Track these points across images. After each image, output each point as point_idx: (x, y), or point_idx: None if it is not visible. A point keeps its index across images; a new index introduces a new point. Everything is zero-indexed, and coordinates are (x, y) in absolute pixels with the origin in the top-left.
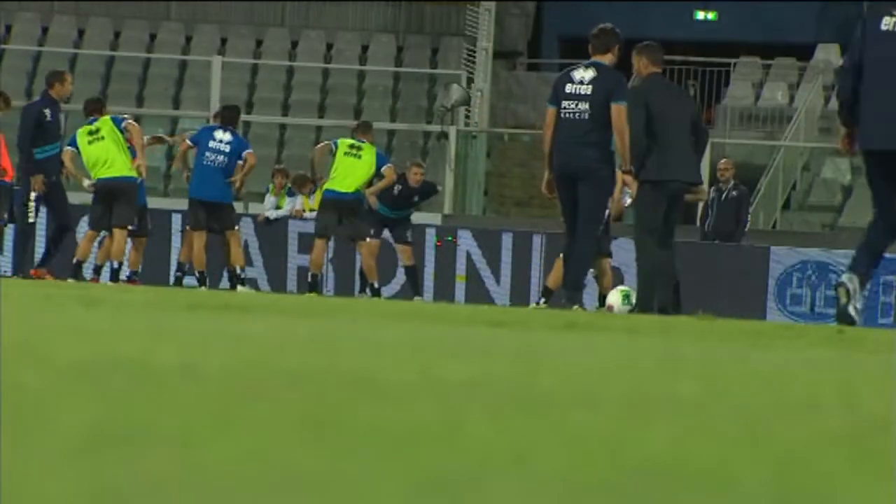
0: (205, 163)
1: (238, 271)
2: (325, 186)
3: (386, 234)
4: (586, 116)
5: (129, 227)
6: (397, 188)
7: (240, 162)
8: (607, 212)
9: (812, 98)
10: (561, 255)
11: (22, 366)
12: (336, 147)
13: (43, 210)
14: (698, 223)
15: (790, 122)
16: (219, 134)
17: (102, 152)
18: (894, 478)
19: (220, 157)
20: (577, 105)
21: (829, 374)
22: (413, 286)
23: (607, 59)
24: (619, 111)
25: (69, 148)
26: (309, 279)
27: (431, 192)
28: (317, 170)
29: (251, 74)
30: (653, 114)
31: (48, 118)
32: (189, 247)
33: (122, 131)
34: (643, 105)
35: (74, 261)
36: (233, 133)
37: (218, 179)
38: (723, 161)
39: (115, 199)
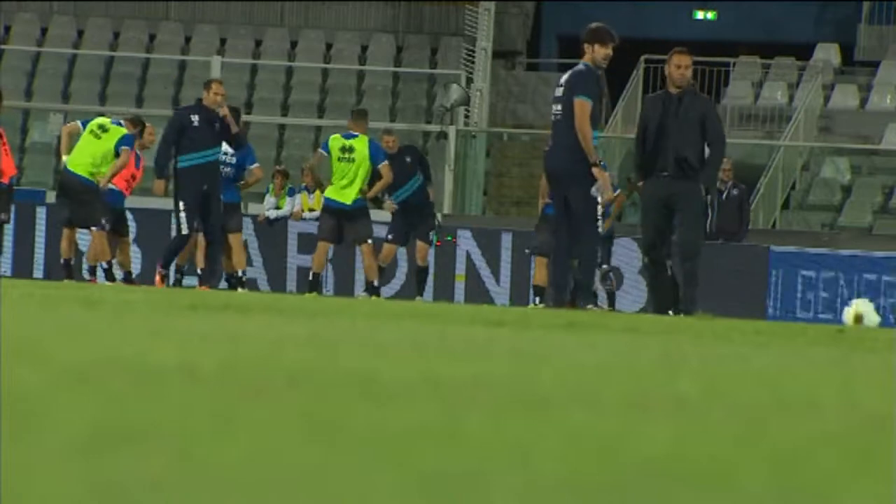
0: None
1: (240, 274)
2: (327, 193)
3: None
4: (560, 118)
5: (94, 228)
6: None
7: (251, 167)
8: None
9: (811, 97)
10: (537, 253)
11: (22, 366)
12: (328, 151)
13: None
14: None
15: (789, 121)
16: (225, 145)
17: (89, 148)
18: (894, 478)
19: (227, 169)
20: (555, 108)
21: (829, 373)
22: (419, 286)
23: (587, 57)
24: (577, 105)
25: (79, 123)
26: (310, 278)
27: (418, 155)
28: (318, 177)
29: (251, 74)
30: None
31: (194, 124)
32: (188, 249)
33: (116, 153)
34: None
35: (62, 261)
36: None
37: (226, 185)
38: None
39: (77, 199)
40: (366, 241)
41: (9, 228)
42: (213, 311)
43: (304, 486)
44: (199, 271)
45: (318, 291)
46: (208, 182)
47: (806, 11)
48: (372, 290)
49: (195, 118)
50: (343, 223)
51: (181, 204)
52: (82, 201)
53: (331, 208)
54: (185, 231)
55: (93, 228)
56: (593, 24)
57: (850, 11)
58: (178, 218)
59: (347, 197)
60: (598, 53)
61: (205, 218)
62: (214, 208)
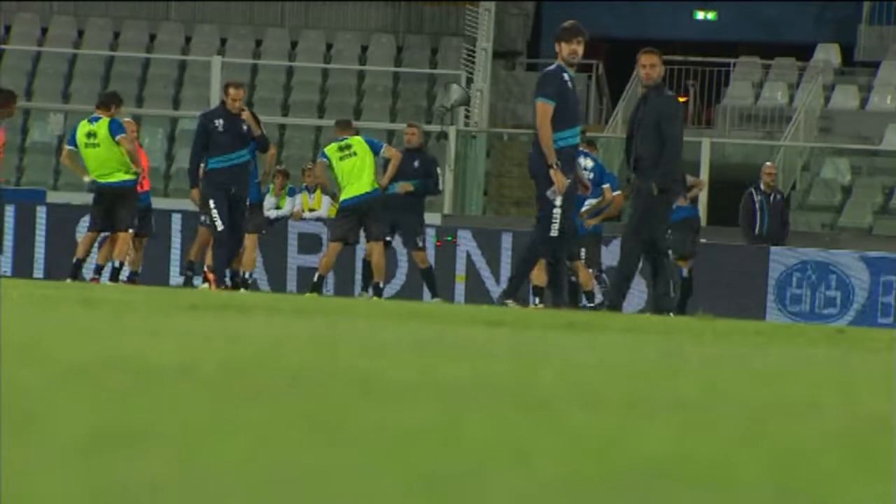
0: None
1: (246, 275)
2: (342, 197)
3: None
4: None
5: (129, 230)
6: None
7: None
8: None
9: (812, 98)
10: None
11: (22, 366)
12: (328, 159)
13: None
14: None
15: (790, 121)
16: None
17: (97, 159)
18: (894, 477)
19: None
20: None
21: (829, 373)
22: (431, 288)
23: (558, 57)
24: (537, 107)
25: (69, 147)
26: (315, 279)
27: (427, 163)
28: (328, 186)
29: (251, 74)
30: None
31: (218, 129)
32: (200, 245)
33: (115, 143)
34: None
35: (74, 260)
36: None
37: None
38: (769, 165)
39: (114, 204)
40: (379, 240)
41: (9, 228)
42: (213, 311)
43: (305, 486)
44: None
45: (318, 292)
46: (236, 185)
47: (806, 11)
48: (376, 289)
49: (219, 122)
50: (361, 219)
51: (210, 202)
52: (119, 205)
53: (347, 208)
54: (219, 227)
55: (129, 230)
56: (564, 23)
57: (850, 11)
58: (210, 217)
59: (361, 188)
60: (564, 51)
61: (230, 220)
62: (238, 213)
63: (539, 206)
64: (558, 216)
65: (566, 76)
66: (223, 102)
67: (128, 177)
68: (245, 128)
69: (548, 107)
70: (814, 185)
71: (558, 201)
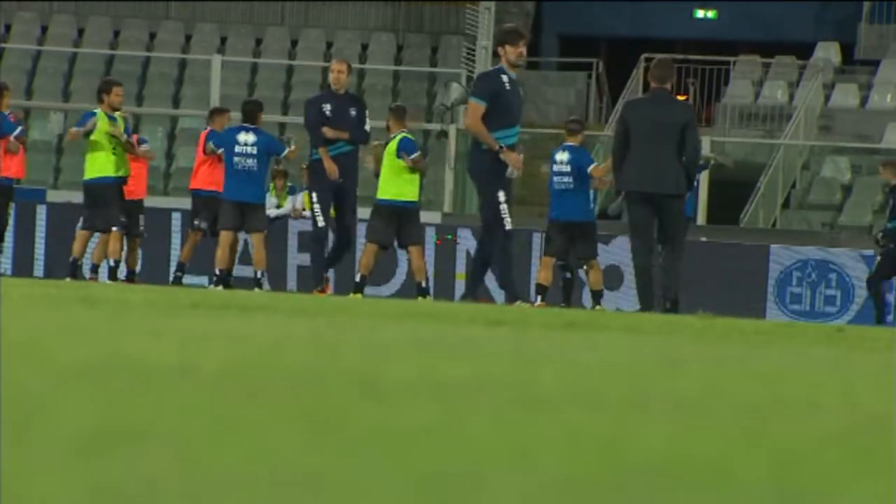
0: (235, 167)
1: (259, 275)
2: (381, 195)
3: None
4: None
5: (114, 228)
6: None
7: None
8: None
9: (812, 96)
10: (545, 252)
11: (22, 366)
12: (385, 154)
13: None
14: None
15: (790, 120)
16: (242, 136)
17: (87, 150)
18: (894, 477)
19: (250, 161)
20: None
21: (829, 373)
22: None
23: (502, 59)
24: (468, 106)
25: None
26: (357, 279)
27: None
28: (376, 164)
29: (251, 73)
30: (628, 126)
31: (326, 114)
32: (191, 247)
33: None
34: (622, 119)
35: (71, 259)
36: (256, 132)
37: (250, 181)
38: None
39: (97, 202)
40: (418, 243)
41: (9, 228)
42: (213, 311)
43: (304, 487)
44: (218, 271)
45: (361, 293)
46: (344, 176)
47: (806, 10)
48: (420, 290)
49: (326, 107)
50: (398, 224)
51: (313, 195)
52: (102, 202)
53: (385, 209)
54: (319, 224)
55: (113, 229)
56: (505, 26)
57: (850, 10)
58: (311, 211)
59: (404, 194)
60: (510, 54)
61: (338, 215)
62: (349, 205)
63: (484, 209)
64: (506, 210)
65: (505, 77)
66: (328, 85)
67: (108, 173)
68: (353, 112)
69: (478, 106)
70: (814, 183)
71: (501, 196)
